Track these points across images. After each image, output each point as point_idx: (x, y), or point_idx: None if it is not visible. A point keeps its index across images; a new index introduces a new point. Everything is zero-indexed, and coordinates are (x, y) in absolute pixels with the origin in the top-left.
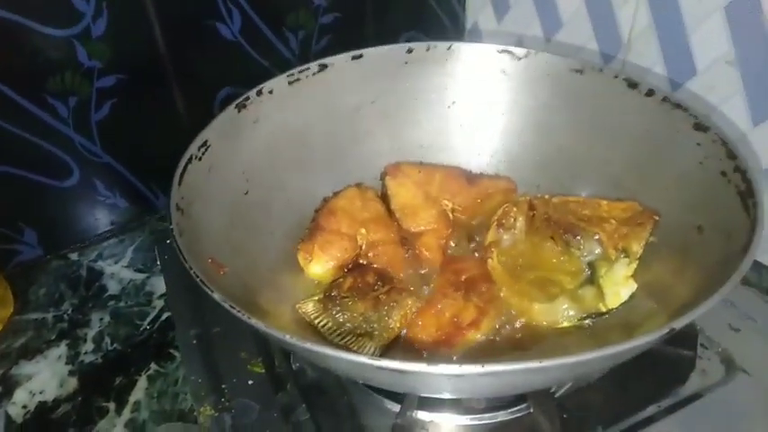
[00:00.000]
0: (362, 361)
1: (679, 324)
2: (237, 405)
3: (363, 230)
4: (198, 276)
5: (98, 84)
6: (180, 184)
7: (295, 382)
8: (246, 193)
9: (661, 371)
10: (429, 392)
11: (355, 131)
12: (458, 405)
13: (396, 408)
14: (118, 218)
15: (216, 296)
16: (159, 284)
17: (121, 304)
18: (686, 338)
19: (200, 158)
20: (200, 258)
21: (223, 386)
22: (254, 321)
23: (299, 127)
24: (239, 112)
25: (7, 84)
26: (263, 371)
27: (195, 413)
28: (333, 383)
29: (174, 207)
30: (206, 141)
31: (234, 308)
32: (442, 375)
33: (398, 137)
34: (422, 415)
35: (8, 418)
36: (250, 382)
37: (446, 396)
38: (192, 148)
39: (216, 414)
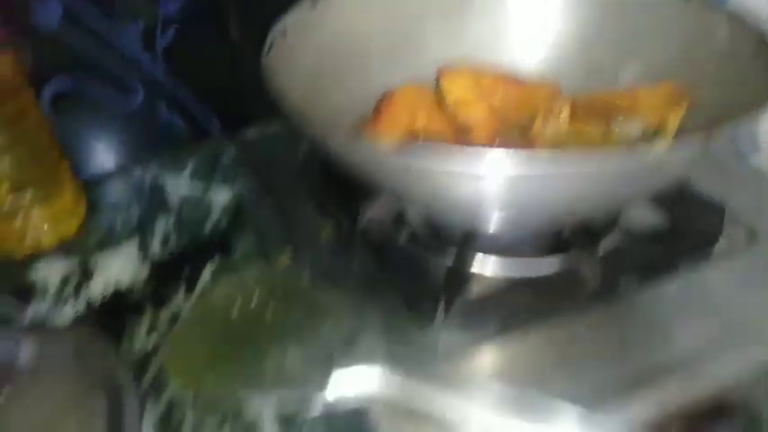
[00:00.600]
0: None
1: (719, 133)
2: (311, 257)
3: (420, 119)
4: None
5: (163, 8)
6: (268, 54)
7: (362, 238)
8: (317, 77)
9: (689, 237)
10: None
11: (413, 35)
12: (505, 252)
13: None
14: (177, 137)
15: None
16: (217, 197)
17: (184, 211)
18: (713, 211)
19: (282, 38)
20: None
21: (297, 244)
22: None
23: (361, 28)
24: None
25: (82, 5)
26: (333, 230)
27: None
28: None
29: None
30: (284, 28)
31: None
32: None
33: (452, 42)
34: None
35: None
36: (321, 241)
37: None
38: (275, 32)
39: (291, 264)
